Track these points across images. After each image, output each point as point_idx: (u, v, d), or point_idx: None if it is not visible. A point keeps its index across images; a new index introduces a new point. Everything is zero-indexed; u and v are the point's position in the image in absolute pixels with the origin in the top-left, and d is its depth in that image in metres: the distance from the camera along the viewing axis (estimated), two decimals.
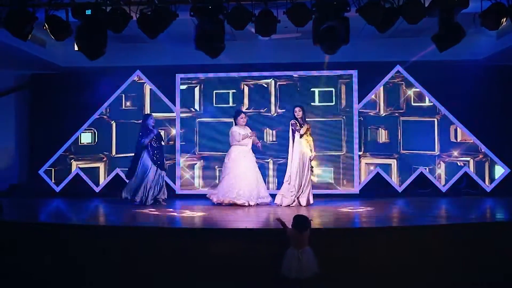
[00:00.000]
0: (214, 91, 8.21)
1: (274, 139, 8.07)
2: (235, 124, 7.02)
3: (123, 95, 8.35)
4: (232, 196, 6.64)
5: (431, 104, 7.97)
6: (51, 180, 8.30)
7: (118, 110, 8.35)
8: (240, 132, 6.90)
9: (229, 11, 5.06)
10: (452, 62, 7.54)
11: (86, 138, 8.39)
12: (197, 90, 8.25)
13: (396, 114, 8.04)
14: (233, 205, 6.60)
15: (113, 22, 5.16)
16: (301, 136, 6.67)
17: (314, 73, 8.08)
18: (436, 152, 7.92)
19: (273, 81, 8.15)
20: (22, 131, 8.74)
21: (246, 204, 6.57)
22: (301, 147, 6.66)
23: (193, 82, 8.27)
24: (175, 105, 8.25)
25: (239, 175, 6.71)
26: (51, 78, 8.55)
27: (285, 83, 8.15)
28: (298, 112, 6.78)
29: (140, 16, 5.18)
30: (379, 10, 4.91)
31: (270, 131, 8.08)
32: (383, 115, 8.06)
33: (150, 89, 8.33)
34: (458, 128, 7.89)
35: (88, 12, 5.09)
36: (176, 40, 7.60)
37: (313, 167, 6.87)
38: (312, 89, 8.12)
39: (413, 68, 7.93)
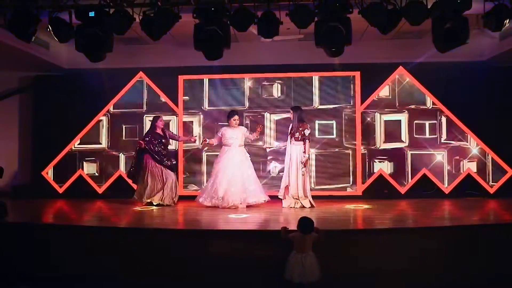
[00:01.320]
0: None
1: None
2: (228, 125, 6.97)
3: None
4: (214, 200, 6.62)
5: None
6: (54, 181, 8.32)
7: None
8: (228, 133, 6.84)
9: (231, 12, 5.08)
10: (455, 63, 7.52)
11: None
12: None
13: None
14: (217, 207, 6.59)
15: (116, 24, 5.19)
16: (293, 139, 6.57)
17: (318, 74, 8.07)
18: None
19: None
20: (25, 132, 8.77)
21: (229, 206, 6.52)
22: (292, 150, 6.57)
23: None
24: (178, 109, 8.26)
25: (222, 178, 6.65)
26: (55, 79, 8.57)
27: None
28: (290, 115, 6.78)
29: (143, 18, 5.21)
30: (382, 11, 4.92)
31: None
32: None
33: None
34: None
35: (92, 14, 5.12)
36: (179, 42, 7.64)
37: (303, 169, 6.50)
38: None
39: (416, 69, 7.92)
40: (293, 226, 4.87)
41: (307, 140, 6.51)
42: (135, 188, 7.11)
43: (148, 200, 6.82)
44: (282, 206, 6.63)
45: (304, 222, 4.22)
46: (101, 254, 4.62)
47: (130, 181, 7.38)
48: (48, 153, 8.34)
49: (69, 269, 4.60)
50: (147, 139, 6.95)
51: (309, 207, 6.48)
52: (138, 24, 5.25)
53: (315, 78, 8.05)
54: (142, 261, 4.52)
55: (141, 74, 8.30)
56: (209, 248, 4.50)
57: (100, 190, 8.24)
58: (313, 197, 6.71)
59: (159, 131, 7.03)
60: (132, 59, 8.08)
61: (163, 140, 7.02)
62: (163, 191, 6.85)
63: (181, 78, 8.26)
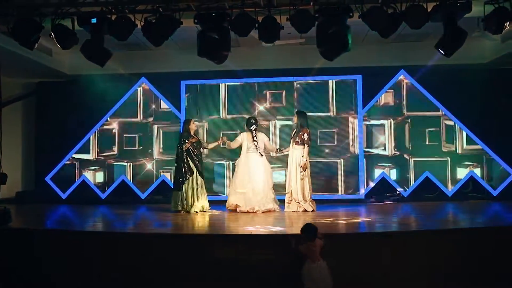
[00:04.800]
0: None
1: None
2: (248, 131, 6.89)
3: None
4: (232, 204, 6.68)
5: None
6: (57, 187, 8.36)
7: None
8: (249, 140, 6.79)
9: (232, 18, 5.10)
10: (457, 66, 7.52)
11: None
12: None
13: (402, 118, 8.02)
14: (235, 211, 6.62)
15: (118, 30, 5.22)
16: (293, 142, 6.60)
17: (319, 78, 8.09)
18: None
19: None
20: (28, 138, 8.82)
21: (244, 211, 6.53)
22: (293, 154, 6.60)
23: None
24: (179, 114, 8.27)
25: (238, 183, 6.69)
26: (57, 85, 8.63)
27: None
28: (293, 118, 6.79)
29: (144, 23, 5.24)
30: (382, 15, 4.93)
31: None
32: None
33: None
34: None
35: (94, 20, 5.15)
36: (180, 47, 7.68)
37: (302, 173, 6.48)
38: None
39: (417, 72, 7.91)
40: (295, 230, 4.88)
41: (306, 145, 6.52)
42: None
43: (187, 209, 6.54)
44: (285, 210, 6.63)
45: (307, 228, 4.22)
46: (103, 260, 4.63)
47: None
48: (51, 159, 8.37)
49: (77, 273, 4.61)
50: (187, 141, 6.62)
51: (311, 211, 6.49)
52: (140, 30, 5.28)
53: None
54: (142, 265, 4.53)
55: (143, 79, 8.34)
56: (212, 253, 4.51)
57: (103, 195, 8.26)
58: (315, 201, 6.72)
59: (192, 134, 6.77)
60: (134, 64, 8.12)
61: (199, 144, 6.80)
62: (201, 197, 6.66)
63: (184, 83, 8.29)
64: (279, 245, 4.42)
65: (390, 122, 8.01)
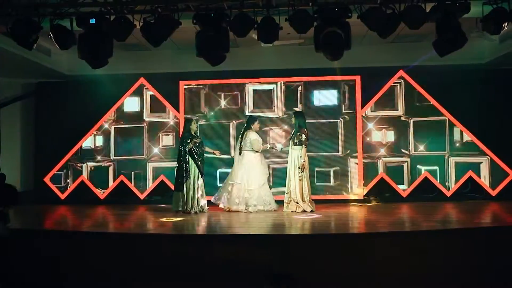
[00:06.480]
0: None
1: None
2: (251, 129, 6.88)
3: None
4: (225, 203, 6.72)
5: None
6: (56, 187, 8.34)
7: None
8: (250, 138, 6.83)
9: (231, 18, 5.11)
10: (455, 66, 7.53)
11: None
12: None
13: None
14: (229, 211, 6.62)
15: (117, 31, 5.22)
16: (292, 143, 6.62)
17: (318, 78, 8.08)
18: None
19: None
20: (27, 139, 8.80)
21: (239, 210, 6.55)
22: (292, 154, 6.62)
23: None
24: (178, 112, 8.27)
25: (235, 182, 6.72)
26: (56, 86, 8.62)
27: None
28: (291, 118, 6.80)
29: (143, 24, 5.24)
30: (381, 16, 4.94)
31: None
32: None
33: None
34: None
35: (92, 21, 5.15)
36: (179, 48, 7.68)
37: (300, 174, 6.50)
38: None
39: (416, 72, 7.93)
40: (294, 230, 4.88)
41: (303, 145, 6.53)
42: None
43: (189, 209, 6.52)
44: (284, 210, 6.64)
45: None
46: (102, 260, 4.63)
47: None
48: (50, 159, 8.36)
49: (75, 274, 4.61)
50: (189, 141, 6.65)
51: (310, 211, 6.50)
52: (138, 31, 5.28)
53: None
54: (142, 265, 4.53)
55: (142, 80, 8.33)
56: (212, 253, 4.52)
57: (102, 196, 8.25)
58: (315, 201, 6.72)
59: (193, 134, 6.78)
60: (133, 65, 8.11)
61: (202, 144, 6.80)
62: (201, 198, 6.66)
63: (182, 84, 8.28)
64: (278, 245, 4.42)
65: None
